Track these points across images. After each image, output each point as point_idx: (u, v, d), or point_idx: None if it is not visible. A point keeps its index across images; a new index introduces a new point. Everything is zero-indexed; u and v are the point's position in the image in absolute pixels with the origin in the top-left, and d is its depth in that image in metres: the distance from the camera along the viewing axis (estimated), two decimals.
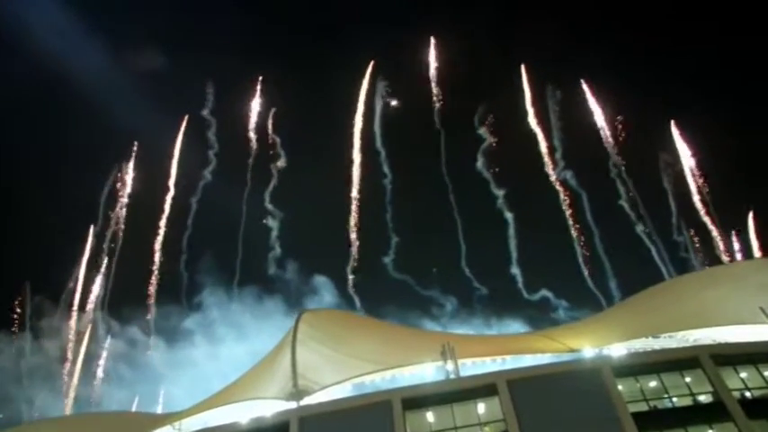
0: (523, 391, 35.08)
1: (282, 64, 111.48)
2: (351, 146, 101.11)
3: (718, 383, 34.76)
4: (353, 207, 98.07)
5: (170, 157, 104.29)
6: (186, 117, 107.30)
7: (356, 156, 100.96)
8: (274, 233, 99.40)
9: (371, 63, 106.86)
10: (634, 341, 43.86)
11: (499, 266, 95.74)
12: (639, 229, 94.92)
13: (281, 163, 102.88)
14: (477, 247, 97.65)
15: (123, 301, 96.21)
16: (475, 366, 42.04)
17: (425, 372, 42.22)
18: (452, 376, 38.65)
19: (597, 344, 43.64)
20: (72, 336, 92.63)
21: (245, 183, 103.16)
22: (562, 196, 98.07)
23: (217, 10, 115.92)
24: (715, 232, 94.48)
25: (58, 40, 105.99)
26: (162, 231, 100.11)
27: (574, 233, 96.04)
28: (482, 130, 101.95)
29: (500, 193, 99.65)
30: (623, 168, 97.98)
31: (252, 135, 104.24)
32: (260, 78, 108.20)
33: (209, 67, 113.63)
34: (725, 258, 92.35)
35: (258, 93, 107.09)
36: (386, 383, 42.08)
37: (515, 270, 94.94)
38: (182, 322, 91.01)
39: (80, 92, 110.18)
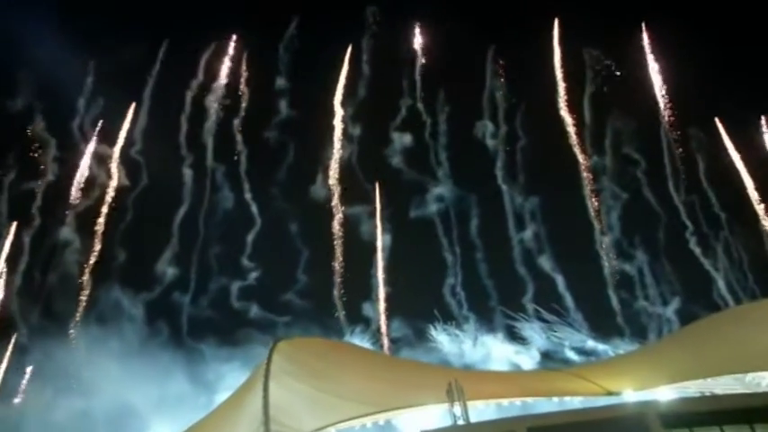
0: None
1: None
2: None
3: None
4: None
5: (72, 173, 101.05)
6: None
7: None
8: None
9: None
10: (688, 383, 38.62)
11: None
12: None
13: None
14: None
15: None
16: (488, 409, 37.65)
17: (427, 415, 37.12)
18: (461, 422, 33.31)
19: (640, 386, 38.83)
20: None
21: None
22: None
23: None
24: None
25: None
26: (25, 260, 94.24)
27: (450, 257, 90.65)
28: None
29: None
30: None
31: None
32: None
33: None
34: None
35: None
36: (379, 430, 37.93)
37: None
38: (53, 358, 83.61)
39: None
